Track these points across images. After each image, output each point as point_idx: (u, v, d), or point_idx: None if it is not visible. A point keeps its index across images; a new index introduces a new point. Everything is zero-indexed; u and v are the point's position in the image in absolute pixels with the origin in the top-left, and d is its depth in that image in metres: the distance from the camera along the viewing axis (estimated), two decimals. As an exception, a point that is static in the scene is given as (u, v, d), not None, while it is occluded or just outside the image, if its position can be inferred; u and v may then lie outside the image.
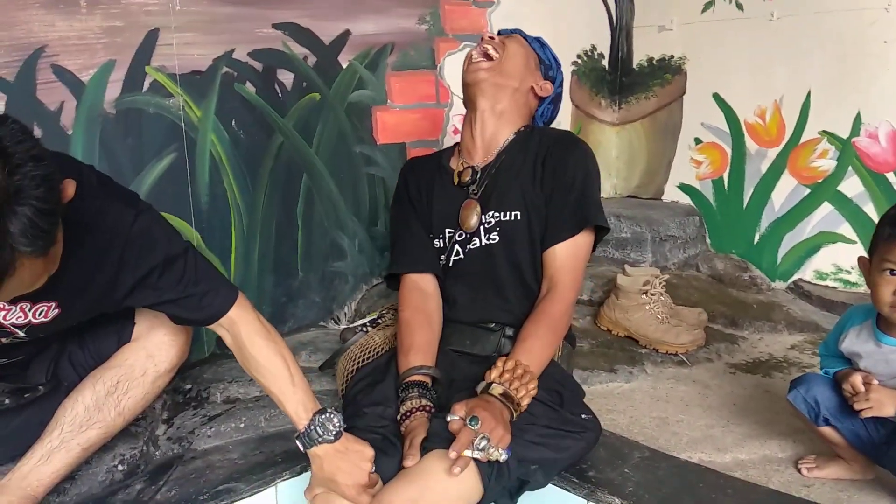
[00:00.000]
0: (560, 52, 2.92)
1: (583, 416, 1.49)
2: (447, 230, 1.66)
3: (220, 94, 1.97)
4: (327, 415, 1.30)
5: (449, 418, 1.28)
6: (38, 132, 1.67)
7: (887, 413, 1.34)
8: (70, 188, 1.02)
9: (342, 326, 2.31)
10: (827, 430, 1.49)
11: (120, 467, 1.50)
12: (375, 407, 1.45)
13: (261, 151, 2.09)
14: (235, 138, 2.02)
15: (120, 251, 1.24)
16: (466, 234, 1.62)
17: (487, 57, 1.65)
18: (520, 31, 1.78)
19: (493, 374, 1.37)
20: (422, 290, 1.63)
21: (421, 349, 1.50)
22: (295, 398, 1.32)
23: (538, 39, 1.78)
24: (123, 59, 1.79)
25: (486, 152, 1.67)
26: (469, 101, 1.70)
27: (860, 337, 1.44)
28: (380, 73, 2.35)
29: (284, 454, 1.61)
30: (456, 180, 1.67)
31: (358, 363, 1.63)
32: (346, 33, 2.24)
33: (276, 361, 1.34)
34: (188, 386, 1.88)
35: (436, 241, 1.68)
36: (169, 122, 1.88)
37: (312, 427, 1.29)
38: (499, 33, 1.76)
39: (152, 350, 1.47)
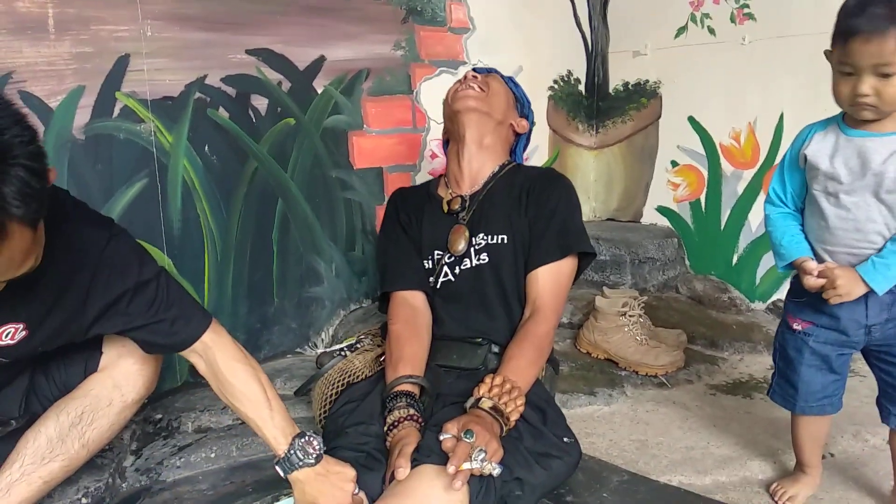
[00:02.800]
0: (537, 78, 3.00)
1: (565, 439, 1.49)
2: (436, 252, 1.70)
3: (193, 119, 1.96)
4: (307, 438, 1.28)
5: (441, 437, 1.26)
6: (4, 158, 1.65)
7: (858, 293, 1.31)
8: (52, 173, 1.00)
9: (319, 352, 2.27)
10: (805, 421, 1.50)
11: (84, 500, 1.46)
12: (358, 426, 1.43)
13: (235, 176, 2.08)
14: (208, 163, 2.01)
15: (90, 274, 1.22)
16: (456, 256, 1.66)
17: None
18: (495, 70, 1.84)
19: (482, 389, 1.38)
20: (412, 305, 1.66)
21: (409, 361, 1.51)
22: (273, 423, 1.30)
23: (511, 79, 1.85)
24: (93, 84, 1.77)
25: (472, 182, 1.73)
26: (455, 132, 1.75)
27: (827, 139, 1.35)
28: (355, 98, 2.35)
29: (255, 484, 1.57)
30: (445, 208, 1.72)
31: (337, 387, 1.61)
32: (321, 59, 2.25)
33: (253, 386, 1.32)
34: (159, 415, 1.83)
35: (425, 263, 1.71)
36: (140, 148, 1.87)
37: (292, 452, 1.27)
38: (475, 71, 1.80)
39: (119, 380, 1.43)
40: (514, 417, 1.36)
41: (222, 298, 2.08)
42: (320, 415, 1.64)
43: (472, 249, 1.65)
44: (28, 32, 1.66)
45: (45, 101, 1.70)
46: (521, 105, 1.83)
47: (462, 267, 1.65)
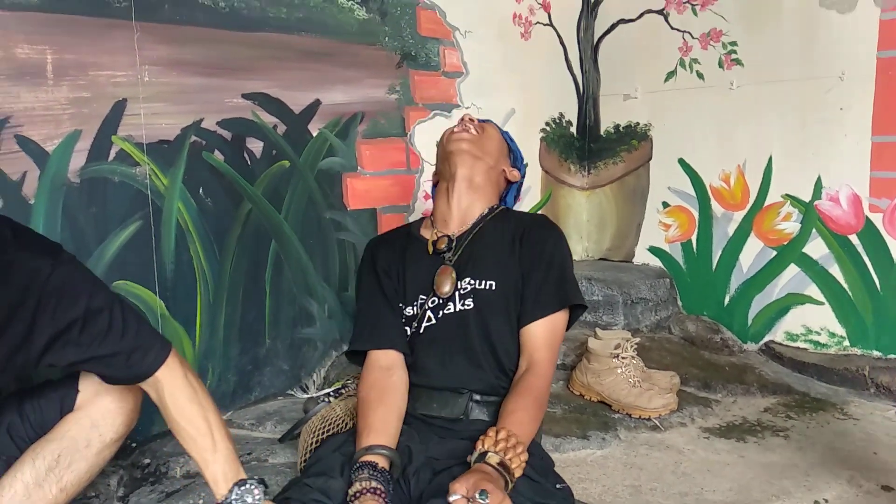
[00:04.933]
0: (529, 120, 3.05)
1: (557, 486, 1.46)
2: (420, 296, 1.63)
3: (188, 162, 1.98)
4: (248, 486, 1.25)
5: (451, 498, 1.21)
6: (-1, 202, 1.66)
7: None
8: None
9: (310, 395, 2.26)
10: None
11: (68, 550, 1.43)
12: (318, 478, 1.37)
13: (229, 218, 2.09)
14: (203, 206, 2.02)
15: (34, 305, 1.18)
16: (440, 299, 1.60)
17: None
18: (492, 122, 1.84)
19: (487, 443, 1.34)
20: (383, 366, 1.57)
21: (376, 428, 1.44)
22: (214, 466, 1.27)
23: (507, 133, 1.84)
24: (89, 129, 1.79)
25: (461, 222, 1.67)
26: (447, 172, 1.71)
27: None
28: (350, 140, 2.38)
29: (243, 532, 1.54)
30: (431, 248, 1.66)
31: (319, 435, 1.58)
32: (317, 103, 2.28)
33: (198, 425, 1.29)
34: (147, 460, 1.81)
35: (408, 310, 1.63)
36: (134, 191, 1.88)
37: (230, 499, 1.24)
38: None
39: (97, 419, 1.39)
40: (518, 473, 1.32)
41: (214, 340, 2.08)
42: (302, 463, 1.61)
43: (456, 293, 1.59)
44: (27, 78, 1.68)
45: (42, 145, 1.72)
46: (515, 157, 1.82)
47: (445, 311, 1.59)
